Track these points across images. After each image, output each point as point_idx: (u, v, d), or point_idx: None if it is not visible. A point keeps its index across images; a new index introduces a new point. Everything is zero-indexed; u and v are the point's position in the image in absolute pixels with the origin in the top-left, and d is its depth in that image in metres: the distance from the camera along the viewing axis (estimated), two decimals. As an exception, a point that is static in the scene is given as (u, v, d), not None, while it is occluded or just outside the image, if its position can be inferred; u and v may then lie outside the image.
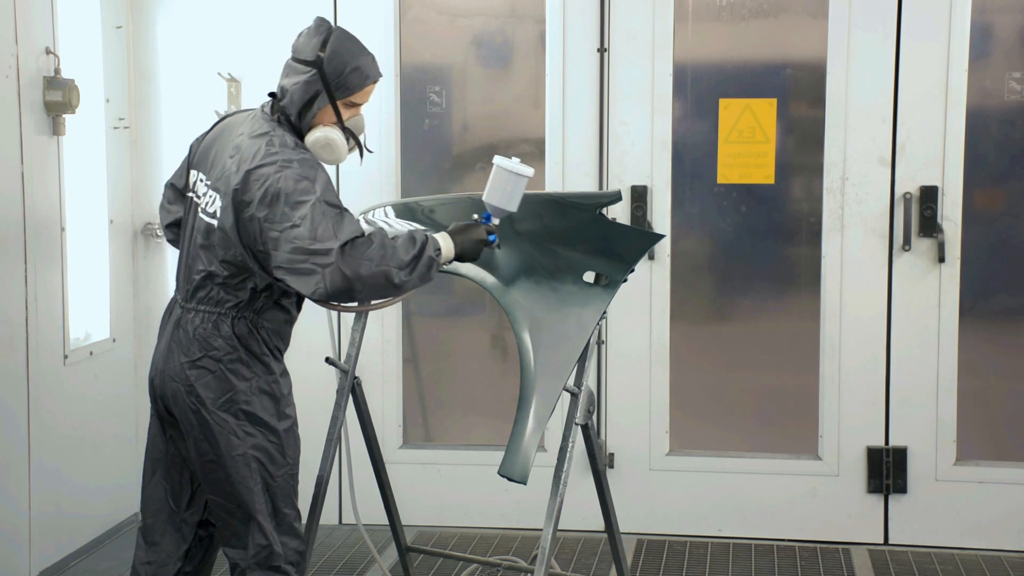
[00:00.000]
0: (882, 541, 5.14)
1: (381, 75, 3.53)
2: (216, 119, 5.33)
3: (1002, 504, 5.05)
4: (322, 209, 3.24)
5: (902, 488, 5.10)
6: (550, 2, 5.14)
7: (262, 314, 3.46)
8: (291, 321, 3.57)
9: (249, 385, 3.42)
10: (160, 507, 3.59)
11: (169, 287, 5.40)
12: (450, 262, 3.51)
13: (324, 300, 3.30)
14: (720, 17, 5.12)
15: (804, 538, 5.19)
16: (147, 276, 5.44)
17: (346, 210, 3.32)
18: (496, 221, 3.58)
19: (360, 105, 3.53)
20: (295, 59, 3.45)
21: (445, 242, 3.46)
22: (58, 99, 4.69)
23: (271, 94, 3.52)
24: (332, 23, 3.48)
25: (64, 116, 4.77)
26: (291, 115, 3.44)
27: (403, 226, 4.00)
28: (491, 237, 3.56)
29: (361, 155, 3.62)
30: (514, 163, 3.52)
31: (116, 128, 5.26)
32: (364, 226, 3.44)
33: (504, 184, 3.53)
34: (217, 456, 3.41)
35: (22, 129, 4.57)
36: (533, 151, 5.26)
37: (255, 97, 5.20)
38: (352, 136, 3.53)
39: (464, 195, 4.04)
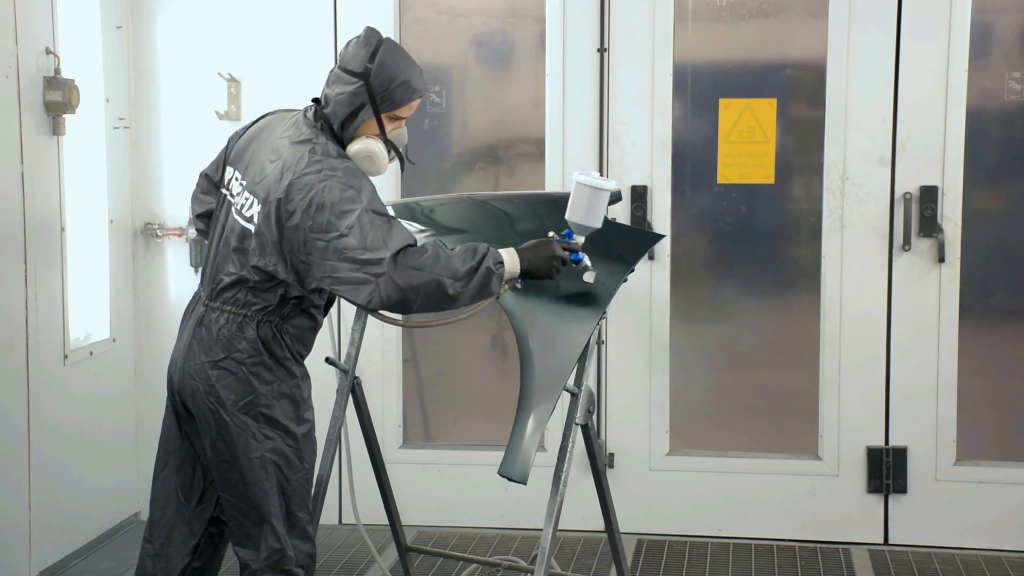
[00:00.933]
0: (882, 541, 5.14)
1: (429, 90, 3.47)
2: (215, 115, 5.30)
3: (1002, 504, 5.05)
4: (370, 218, 3.21)
5: (902, 488, 5.10)
6: (550, 2, 5.14)
7: (288, 320, 3.42)
8: (316, 328, 3.54)
9: (270, 389, 3.40)
10: (168, 500, 3.57)
11: (170, 287, 5.40)
12: (520, 278, 3.43)
13: (378, 310, 3.27)
14: (720, 17, 5.12)
15: (804, 538, 5.19)
16: (147, 276, 5.44)
17: (394, 219, 3.28)
18: (581, 239, 3.50)
19: (404, 118, 3.48)
20: (342, 69, 3.40)
21: (510, 256, 3.38)
22: (58, 99, 4.69)
23: (315, 100, 3.48)
24: (381, 34, 3.42)
25: (64, 116, 4.76)
26: (334, 124, 3.40)
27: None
28: (574, 256, 3.48)
29: (403, 167, 3.57)
30: (594, 178, 3.44)
31: (116, 128, 5.26)
32: (415, 225, 3.36)
33: (584, 200, 3.44)
34: (233, 457, 3.40)
35: (22, 129, 4.57)
36: (533, 151, 5.26)
37: (255, 97, 5.21)
38: (393, 148, 3.48)
39: (464, 195, 4.03)
